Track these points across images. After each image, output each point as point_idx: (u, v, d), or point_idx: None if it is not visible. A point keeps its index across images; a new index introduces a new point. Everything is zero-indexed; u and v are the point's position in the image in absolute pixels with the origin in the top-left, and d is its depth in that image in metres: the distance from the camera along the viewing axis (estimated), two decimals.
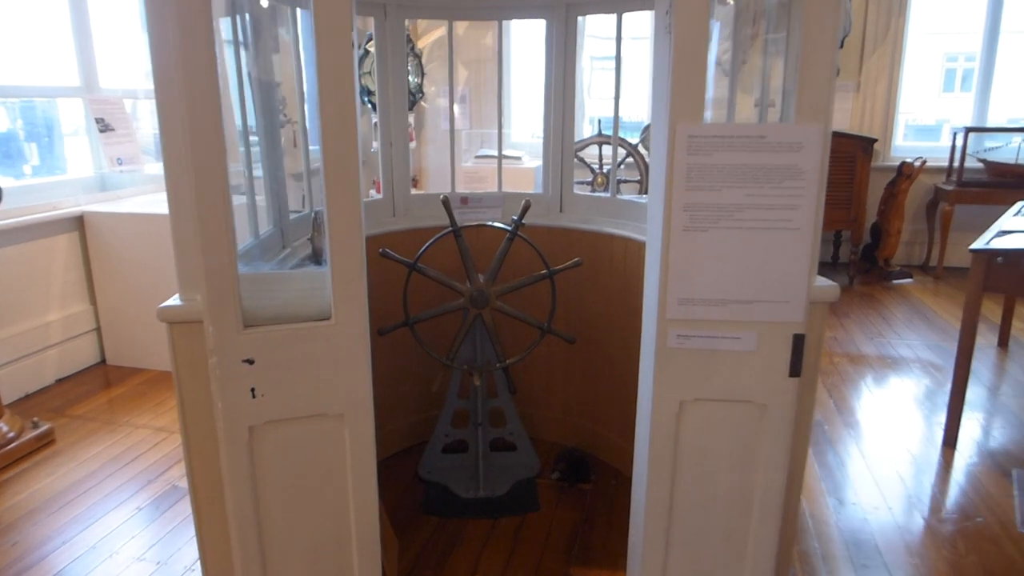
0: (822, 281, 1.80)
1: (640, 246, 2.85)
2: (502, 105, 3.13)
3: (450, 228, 2.70)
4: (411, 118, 6.17)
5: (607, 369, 3.14)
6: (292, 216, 2.58)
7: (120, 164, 4.48)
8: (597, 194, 3.16)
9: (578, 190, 3.18)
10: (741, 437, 1.84)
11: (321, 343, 1.70)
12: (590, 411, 3.29)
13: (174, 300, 1.72)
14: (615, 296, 3.01)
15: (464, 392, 3.03)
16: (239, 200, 2.22)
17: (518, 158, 6.11)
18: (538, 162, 6.27)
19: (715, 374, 1.79)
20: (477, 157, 6.37)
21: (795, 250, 1.68)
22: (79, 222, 4.21)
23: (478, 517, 2.88)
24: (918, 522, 2.85)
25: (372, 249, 2.73)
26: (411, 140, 6.24)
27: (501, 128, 3.27)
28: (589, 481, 3.09)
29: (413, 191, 6.51)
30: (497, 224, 2.80)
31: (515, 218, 2.71)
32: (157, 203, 4.32)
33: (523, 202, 2.70)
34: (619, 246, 2.94)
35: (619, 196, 3.04)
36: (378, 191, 6.77)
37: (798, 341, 1.74)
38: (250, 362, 1.65)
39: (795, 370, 1.76)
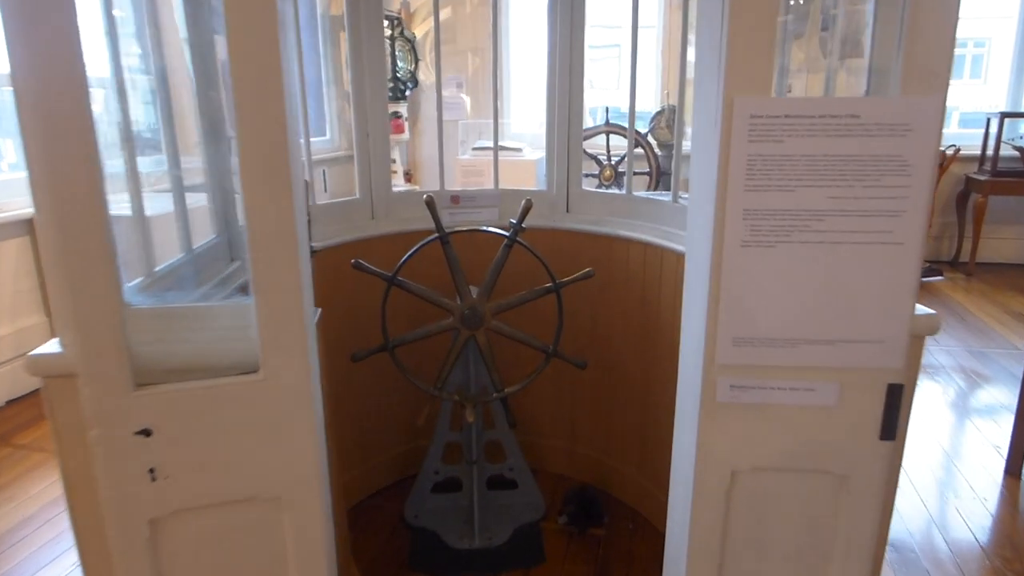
0: (919, 309, 1.33)
1: (660, 252, 2.37)
2: (499, 87, 2.67)
3: (436, 234, 2.23)
4: (404, 108, 5.68)
5: (623, 393, 2.67)
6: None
7: None
8: (609, 191, 2.68)
9: (585, 186, 2.70)
10: (813, 517, 1.37)
11: (246, 405, 1.23)
12: (602, 441, 2.82)
13: (51, 345, 1.25)
14: (632, 311, 2.54)
15: (456, 423, 2.56)
16: (165, 206, 1.75)
17: (518, 150, 5.63)
18: (541, 154, 5.79)
19: (780, 436, 1.32)
20: (475, 149, 5.88)
21: (896, 272, 1.20)
22: (29, 225, 3.75)
23: (474, 572, 2.42)
24: (984, 566, 2.38)
25: (345, 259, 2.26)
26: (401, 132, 5.76)
27: (497, 113, 2.79)
28: (602, 525, 2.63)
29: (404, 187, 6.04)
30: (492, 229, 2.32)
31: (513, 221, 2.24)
32: (120, 202, 3.84)
33: (523, 202, 2.23)
34: (636, 252, 2.47)
35: (635, 193, 2.56)
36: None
37: (894, 393, 1.27)
38: (146, 433, 1.19)
39: (888, 431, 1.29)
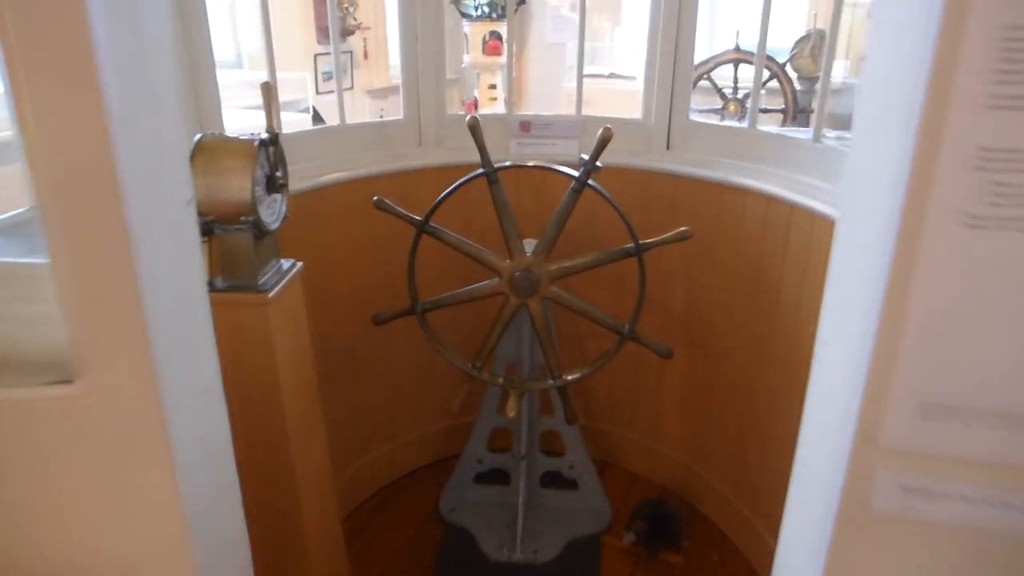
0: None
1: (788, 210, 1.70)
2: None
3: (481, 169, 1.66)
4: (502, 28, 5.03)
5: (722, 387, 2.05)
6: None
7: None
8: (726, 123, 2.00)
9: (700, 118, 2.03)
10: None
11: (60, 431, 0.74)
12: (691, 442, 2.22)
13: None
14: (742, 284, 1.89)
15: (504, 406, 2.04)
16: None
17: (632, 77, 4.89)
18: None
19: None
20: (585, 76, 5.16)
21: None
22: None
23: None
24: None
25: (369, 195, 1.75)
26: (498, 53, 5.13)
27: (584, 19, 2.15)
28: (679, 550, 2.06)
29: (485, 111, 5.43)
30: (555, 166, 1.72)
31: (584, 157, 1.63)
32: None
33: (600, 131, 1.61)
34: (755, 207, 1.80)
35: (760, 128, 1.88)
36: (469, 111, 5.73)
37: None
38: None
39: None
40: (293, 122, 3.75)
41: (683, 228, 1.66)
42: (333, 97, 4.94)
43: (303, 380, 1.42)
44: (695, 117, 2.04)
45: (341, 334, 2.00)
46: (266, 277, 1.27)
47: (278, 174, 1.25)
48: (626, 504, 2.22)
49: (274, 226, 1.26)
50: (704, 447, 2.18)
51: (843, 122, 2.59)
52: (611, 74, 5.37)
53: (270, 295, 1.23)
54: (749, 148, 1.88)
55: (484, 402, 2.05)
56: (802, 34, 4.60)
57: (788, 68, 4.42)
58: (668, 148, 2.02)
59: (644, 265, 1.68)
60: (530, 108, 5.75)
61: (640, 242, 1.67)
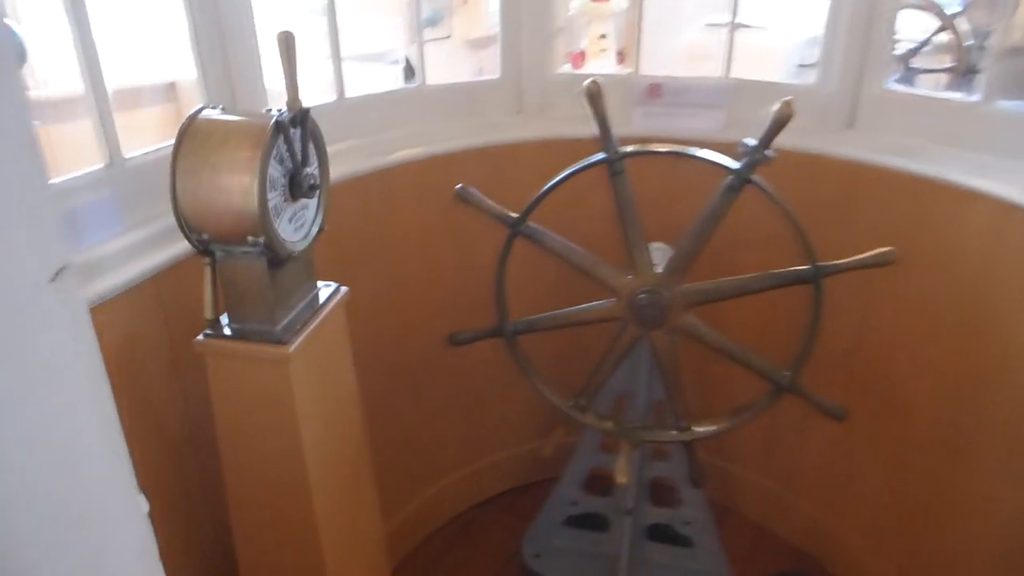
0: None
1: None
2: None
3: (601, 155, 1.20)
4: None
5: (892, 444, 1.55)
6: None
7: None
8: (937, 95, 1.44)
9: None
10: None
11: None
12: (837, 502, 1.73)
13: None
14: (943, 318, 1.37)
15: (609, 442, 1.60)
16: None
17: (762, 28, 4.19)
18: (794, 36, 4.29)
19: None
20: (708, 25, 4.52)
21: None
22: None
23: None
24: None
25: (450, 178, 1.32)
26: None
27: None
28: None
29: (609, 71, 4.84)
30: (704, 153, 1.22)
31: (749, 143, 1.14)
32: None
33: (776, 107, 1.11)
34: (982, 217, 1.26)
35: (1001, 102, 1.31)
36: (575, 66, 5.17)
37: None
38: None
39: None
40: (378, 77, 3.34)
41: (885, 249, 1.15)
42: (430, 47, 4.46)
43: (340, 436, 1.03)
44: (887, 83, 1.48)
45: (407, 348, 1.61)
46: (291, 317, 0.87)
47: (309, 170, 0.84)
48: (750, 566, 1.77)
49: (300, 247, 0.85)
50: (854, 509, 1.68)
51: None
52: (735, 24, 4.67)
53: (291, 348, 0.83)
54: (975, 132, 1.32)
55: (584, 437, 1.62)
56: None
57: (963, 21, 3.64)
58: (852, 126, 1.49)
59: (821, 296, 1.19)
60: (646, 66, 5.12)
61: (819, 264, 1.17)
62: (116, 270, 0.91)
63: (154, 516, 1.02)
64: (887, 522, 1.60)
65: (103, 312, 0.89)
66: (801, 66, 3.90)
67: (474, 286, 1.58)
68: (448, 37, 4.31)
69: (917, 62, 3.88)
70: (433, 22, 4.19)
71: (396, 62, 3.75)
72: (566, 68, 4.78)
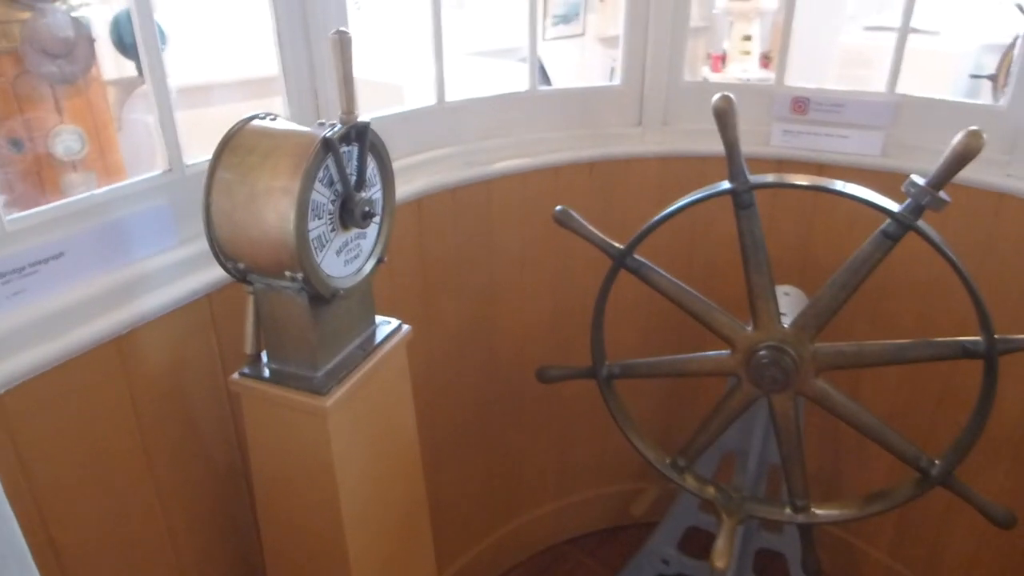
0: None
1: None
2: None
3: (727, 184, 1.00)
4: None
5: None
6: None
7: None
8: None
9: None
10: None
11: None
12: None
13: None
14: None
15: (709, 504, 1.40)
16: None
17: (934, 32, 3.73)
18: (973, 43, 3.76)
19: None
20: (867, 29, 4.09)
21: None
22: None
23: None
24: None
25: (553, 194, 1.17)
26: None
27: None
28: None
29: (753, 76, 4.46)
30: (855, 191, 0.99)
31: (917, 181, 0.90)
32: None
33: (959, 137, 0.87)
34: None
35: None
36: (714, 69, 4.83)
37: None
38: None
39: None
40: (507, 76, 3.21)
41: None
42: (561, 45, 4.26)
43: (390, 489, 0.90)
44: None
45: (499, 377, 1.47)
46: (338, 359, 0.75)
47: (366, 195, 0.71)
48: None
49: (349, 284, 0.72)
50: None
51: None
52: (908, 28, 4.18)
53: (330, 401, 0.70)
54: None
55: (683, 492, 1.43)
56: None
57: None
58: None
59: (995, 376, 0.94)
60: (793, 73, 4.71)
61: (997, 337, 0.92)
62: (167, 286, 0.83)
63: (197, 548, 0.95)
64: None
65: (149, 331, 0.81)
66: (974, 76, 3.42)
67: (576, 314, 1.42)
68: (582, 35, 4.14)
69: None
70: (567, 19, 4.03)
71: (524, 59, 3.62)
72: (705, 71, 4.46)
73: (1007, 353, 0.93)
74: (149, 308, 0.80)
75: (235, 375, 0.75)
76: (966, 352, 0.95)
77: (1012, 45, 2.96)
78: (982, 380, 0.96)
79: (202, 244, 0.78)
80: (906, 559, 1.57)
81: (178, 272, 0.84)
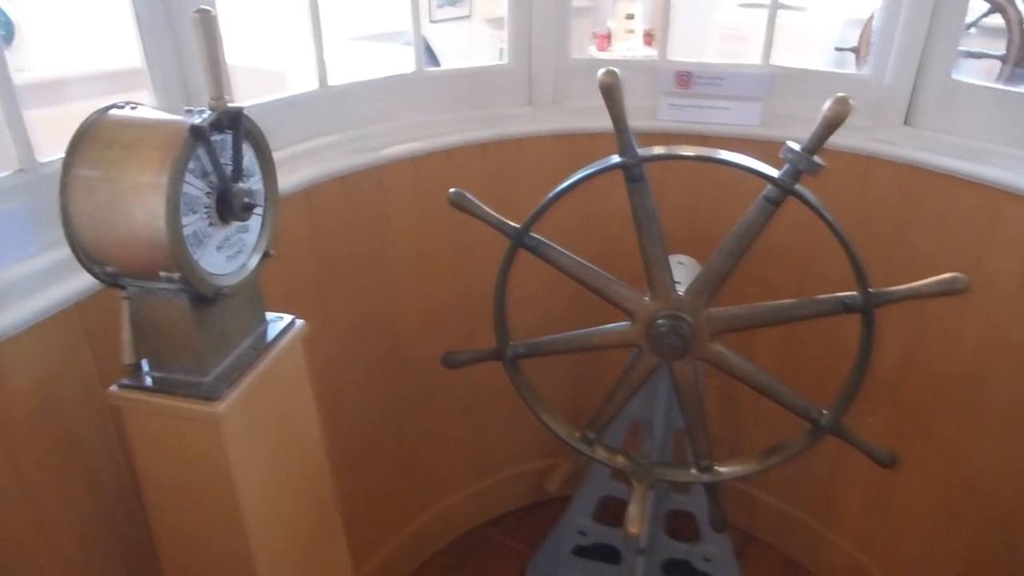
0: None
1: None
2: None
3: (617, 158, 1.01)
4: None
5: (948, 487, 1.36)
6: None
7: None
8: (1017, 89, 1.23)
9: (965, 75, 1.26)
10: None
11: None
12: (878, 543, 1.54)
13: None
14: (1017, 359, 1.17)
15: (621, 473, 1.43)
16: None
17: (802, 9, 3.93)
18: (836, 17, 3.99)
19: None
20: (742, 6, 4.25)
21: None
22: None
23: None
24: None
25: (447, 177, 1.14)
26: None
27: None
28: None
29: (636, 54, 4.56)
30: (749, 162, 1.02)
31: (793, 147, 0.94)
32: None
33: (828, 104, 0.91)
34: None
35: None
36: (600, 48, 4.90)
37: None
38: None
39: None
40: (395, 59, 3.15)
41: (953, 275, 0.96)
42: (448, 27, 4.20)
43: (296, 493, 0.87)
44: (955, 74, 1.27)
45: (402, 365, 1.45)
46: (228, 361, 0.70)
47: (244, 185, 0.67)
48: None
49: (233, 280, 0.68)
50: (898, 554, 1.50)
51: None
52: (778, 4, 4.38)
53: (221, 406, 0.66)
54: None
55: (595, 464, 1.45)
56: None
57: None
58: (907, 123, 1.28)
59: (873, 328, 1.00)
60: (675, 49, 4.85)
61: (872, 291, 0.98)
62: (28, 298, 0.75)
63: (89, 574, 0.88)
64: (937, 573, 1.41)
65: (11, 347, 0.74)
66: (839, 49, 3.62)
67: (477, 297, 1.41)
68: (468, 16, 4.10)
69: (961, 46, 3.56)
70: (454, 1, 3.98)
71: (410, 43, 3.55)
72: (591, 50, 4.51)
73: (882, 305, 0.99)
74: (9, 323, 0.72)
75: (113, 387, 0.70)
76: (845, 307, 1.01)
77: (870, 19, 3.15)
78: (861, 332, 1.02)
79: (66, 249, 0.72)
80: (803, 504, 1.67)
81: (40, 282, 0.76)
